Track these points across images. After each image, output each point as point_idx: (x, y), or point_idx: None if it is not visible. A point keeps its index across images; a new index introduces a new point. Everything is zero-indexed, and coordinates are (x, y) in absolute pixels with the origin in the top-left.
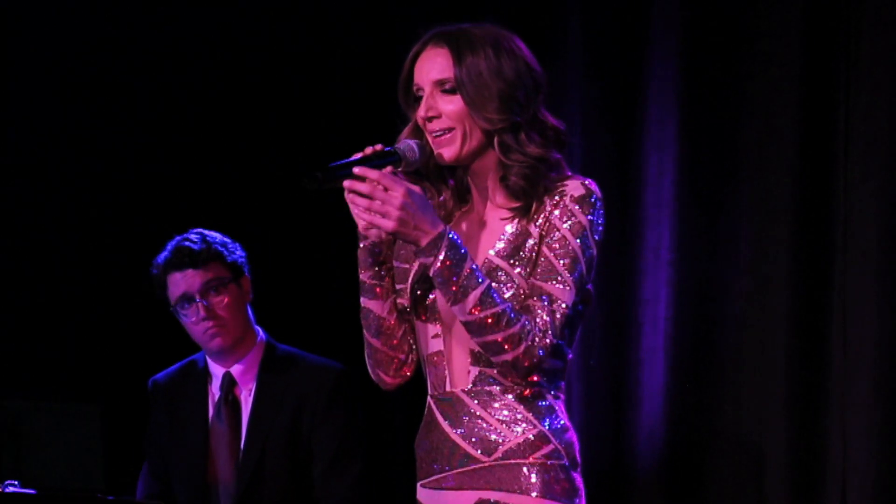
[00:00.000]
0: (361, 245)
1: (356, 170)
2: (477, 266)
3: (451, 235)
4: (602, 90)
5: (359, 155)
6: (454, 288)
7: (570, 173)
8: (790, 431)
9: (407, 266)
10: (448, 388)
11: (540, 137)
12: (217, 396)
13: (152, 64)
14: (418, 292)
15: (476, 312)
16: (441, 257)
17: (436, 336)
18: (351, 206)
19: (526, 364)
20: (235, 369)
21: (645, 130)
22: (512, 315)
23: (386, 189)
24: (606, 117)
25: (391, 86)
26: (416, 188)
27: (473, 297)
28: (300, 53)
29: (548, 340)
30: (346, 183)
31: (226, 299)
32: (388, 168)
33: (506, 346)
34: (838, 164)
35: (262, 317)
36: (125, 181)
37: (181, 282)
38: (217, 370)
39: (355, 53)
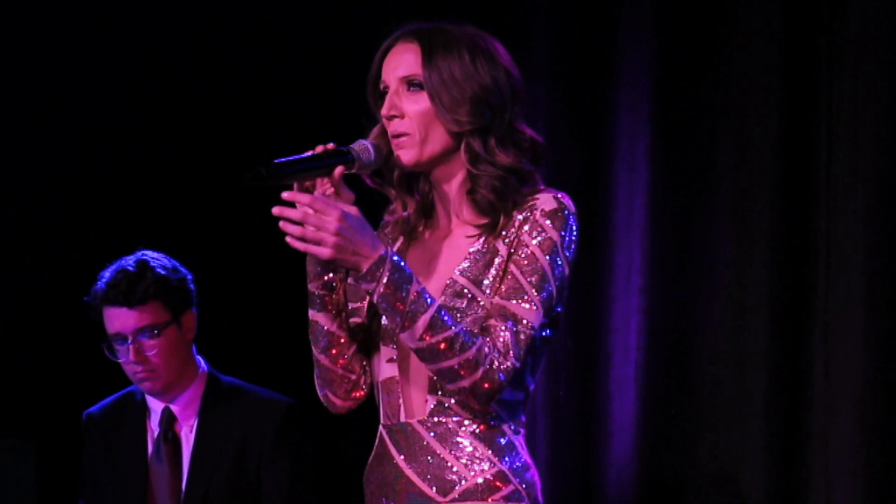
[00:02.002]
0: None
1: (285, 195)
2: (424, 288)
3: (393, 258)
4: (568, 104)
5: (309, 153)
6: (401, 313)
7: (542, 186)
8: (770, 469)
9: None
10: (402, 418)
11: (513, 147)
12: (156, 433)
13: (90, 73)
14: (372, 312)
15: (427, 338)
16: (384, 281)
17: (390, 361)
18: (286, 238)
19: (486, 388)
20: (175, 405)
21: (614, 147)
22: (466, 338)
23: (319, 213)
24: (572, 133)
25: (355, 88)
26: (353, 209)
27: (423, 321)
28: (258, 60)
29: (509, 364)
30: (276, 210)
31: (160, 346)
32: (319, 192)
33: (462, 372)
34: (820, 183)
35: (205, 346)
36: (57, 206)
37: (115, 319)
38: (156, 405)
39: (314, 53)
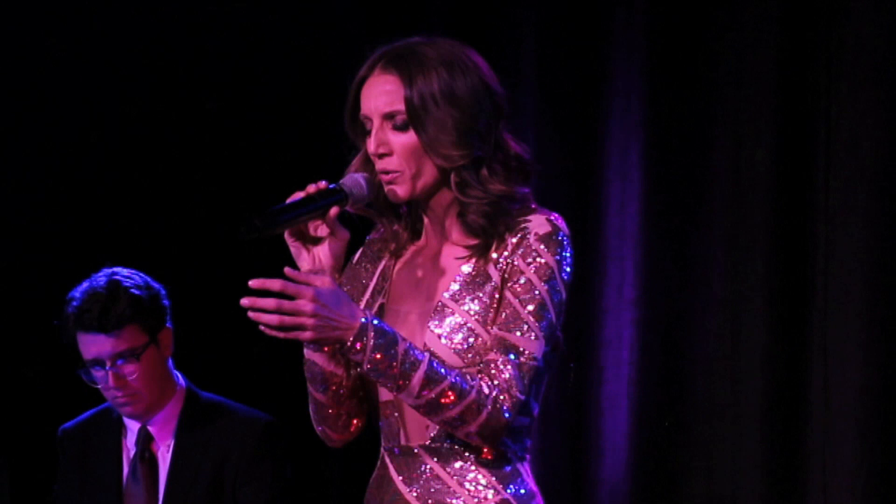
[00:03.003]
0: None
1: (253, 283)
2: (410, 343)
3: (374, 322)
4: (558, 111)
5: (301, 195)
6: (393, 377)
7: (534, 206)
8: (766, 488)
9: None
10: (403, 442)
11: (503, 170)
12: (132, 452)
13: (69, 84)
14: None
15: (425, 394)
16: (370, 346)
17: None
18: (260, 327)
19: (493, 428)
20: (152, 424)
21: (605, 155)
22: (463, 384)
23: (294, 297)
24: (562, 140)
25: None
26: (325, 282)
27: (417, 379)
28: (236, 72)
29: (514, 399)
30: (246, 301)
31: (140, 370)
32: (287, 269)
33: (467, 418)
34: (819, 192)
35: (183, 361)
36: (25, 219)
37: (90, 346)
38: (132, 423)
39: (298, 70)
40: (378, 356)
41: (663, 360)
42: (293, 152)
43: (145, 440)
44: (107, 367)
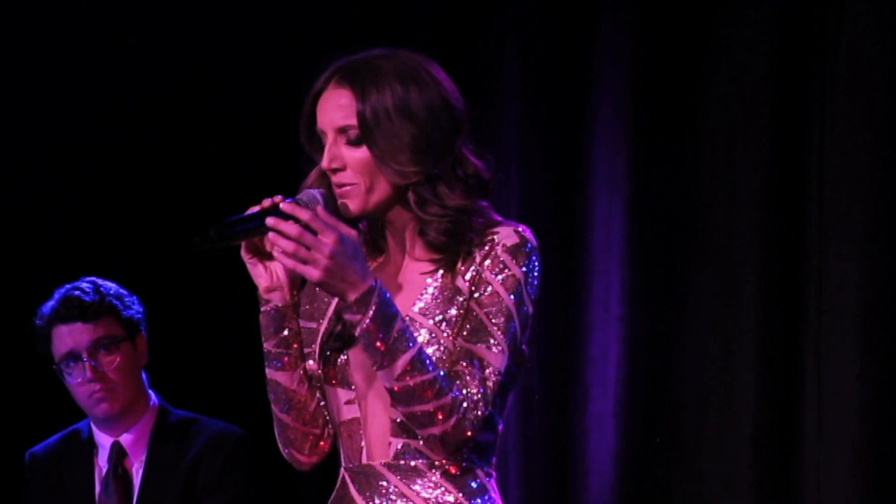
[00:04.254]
0: (263, 309)
1: (283, 206)
2: (407, 326)
3: (381, 291)
4: (542, 119)
5: (256, 209)
6: (380, 351)
7: (498, 218)
8: None
9: (314, 325)
10: (364, 461)
11: (462, 186)
12: (105, 470)
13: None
14: (328, 353)
15: (405, 379)
16: (370, 315)
17: (349, 402)
18: (274, 250)
19: (455, 439)
20: (125, 438)
21: (591, 165)
22: (444, 384)
23: (316, 233)
24: (547, 150)
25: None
26: (352, 233)
27: (403, 361)
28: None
29: (479, 413)
30: (270, 221)
31: (117, 360)
32: (320, 208)
33: (436, 418)
34: (813, 205)
35: (156, 379)
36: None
37: (68, 337)
38: (104, 440)
39: (254, 86)
40: (373, 325)
41: (651, 378)
42: (264, 165)
43: (118, 455)
44: (84, 359)
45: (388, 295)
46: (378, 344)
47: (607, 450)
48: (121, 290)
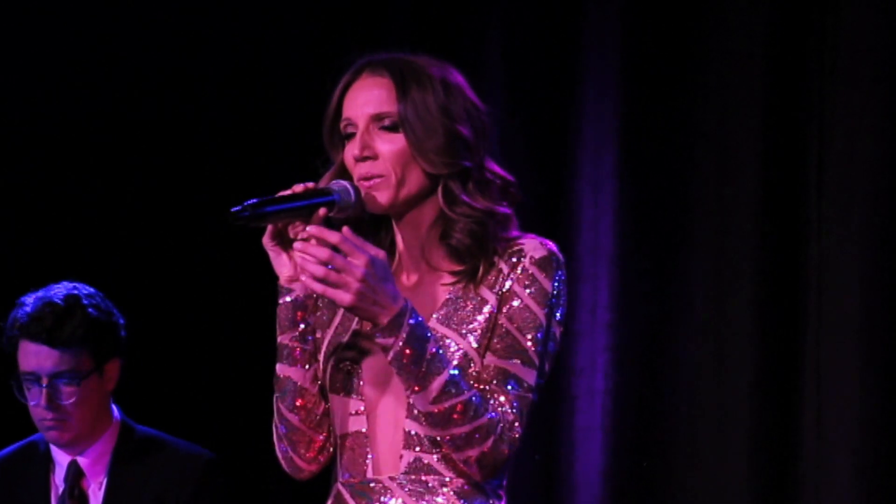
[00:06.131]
0: (282, 301)
1: (311, 230)
2: (440, 348)
3: (413, 312)
4: (525, 115)
5: (287, 192)
6: (415, 374)
7: (518, 233)
8: None
9: (318, 335)
10: (370, 475)
11: (491, 187)
12: (61, 489)
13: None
14: (332, 361)
15: (442, 402)
16: (404, 338)
17: (357, 414)
18: (301, 272)
19: (492, 460)
20: (84, 458)
21: (577, 164)
22: (479, 404)
23: (346, 255)
24: (530, 148)
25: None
26: (381, 254)
27: (438, 384)
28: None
29: (515, 434)
30: (299, 246)
31: (77, 395)
32: (346, 229)
33: (474, 440)
34: (811, 204)
35: (118, 393)
36: None
37: (32, 357)
38: (61, 457)
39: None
40: (406, 348)
41: (641, 389)
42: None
43: (75, 476)
44: (43, 385)
45: (420, 317)
46: (412, 367)
47: (595, 465)
48: (103, 308)
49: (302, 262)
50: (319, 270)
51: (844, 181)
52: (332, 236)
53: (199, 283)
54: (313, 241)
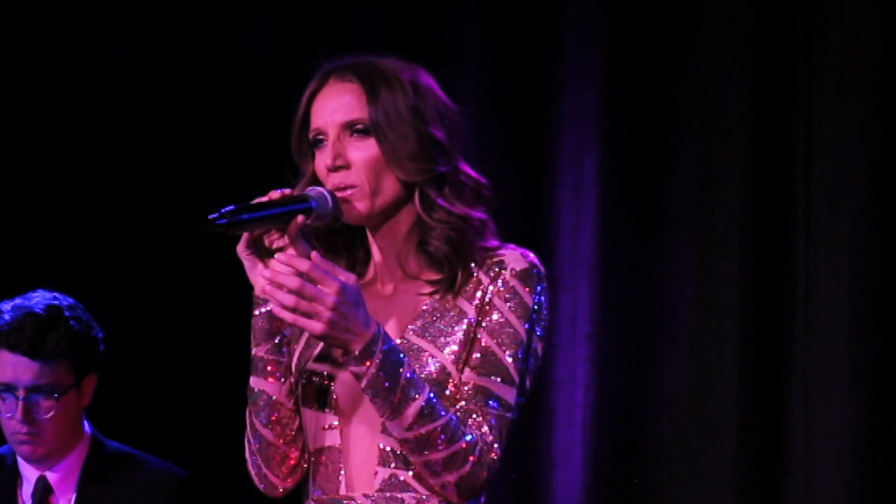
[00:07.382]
0: (257, 312)
1: (281, 258)
2: (415, 372)
3: (386, 337)
4: (502, 118)
5: (264, 199)
6: (389, 401)
7: (496, 242)
8: None
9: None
10: (343, 491)
11: (467, 191)
12: None
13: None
14: (305, 374)
15: (416, 429)
16: (377, 363)
17: (330, 428)
18: (272, 306)
19: (470, 484)
20: (52, 473)
21: (556, 169)
22: (456, 427)
23: (317, 283)
24: (508, 153)
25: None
26: (351, 279)
27: (413, 410)
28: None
29: (494, 456)
30: (269, 275)
31: (55, 409)
32: (316, 255)
33: (451, 465)
34: (799, 208)
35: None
36: None
37: (9, 367)
38: (29, 472)
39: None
40: (380, 374)
41: (623, 402)
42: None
43: (43, 492)
44: (20, 397)
45: (393, 342)
46: (387, 394)
47: (575, 481)
48: (84, 321)
49: (270, 290)
50: (289, 300)
51: (832, 187)
52: (302, 264)
53: (170, 293)
54: (283, 268)
